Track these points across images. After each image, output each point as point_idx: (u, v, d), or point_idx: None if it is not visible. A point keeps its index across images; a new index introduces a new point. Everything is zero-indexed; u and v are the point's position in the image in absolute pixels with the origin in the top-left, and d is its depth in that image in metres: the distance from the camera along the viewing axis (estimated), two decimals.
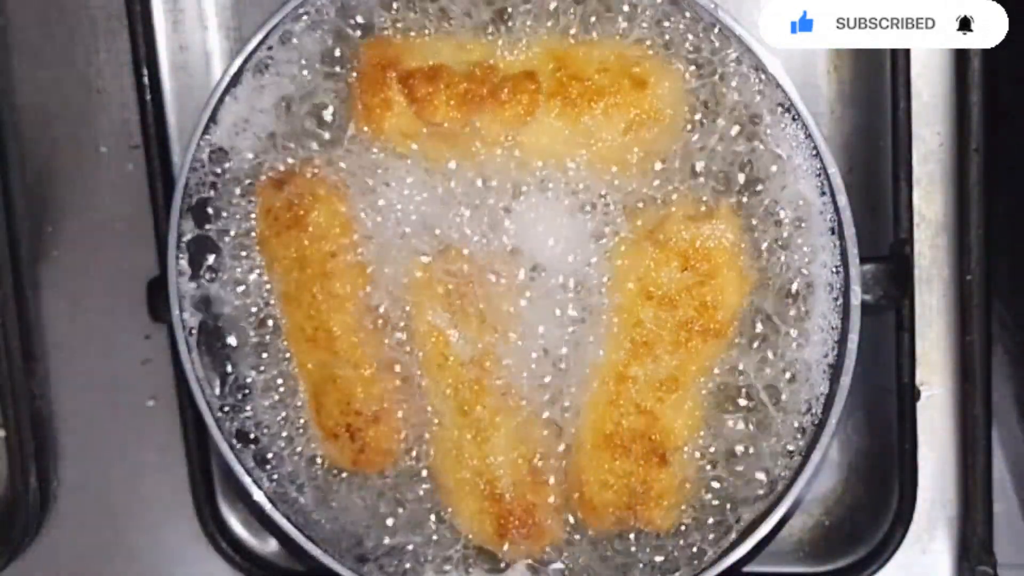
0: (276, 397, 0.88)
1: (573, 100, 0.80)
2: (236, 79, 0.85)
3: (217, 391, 0.87)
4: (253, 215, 0.86)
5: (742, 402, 0.83)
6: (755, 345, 0.82)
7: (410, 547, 0.87)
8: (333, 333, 0.85)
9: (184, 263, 0.86)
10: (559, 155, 0.82)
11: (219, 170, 0.86)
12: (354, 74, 0.83)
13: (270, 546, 0.99)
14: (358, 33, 0.84)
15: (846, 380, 0.80)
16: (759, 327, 0.82)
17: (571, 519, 0.85)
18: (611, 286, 0.83)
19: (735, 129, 0.81)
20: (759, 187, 0.81)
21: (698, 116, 0.81)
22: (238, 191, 0.86)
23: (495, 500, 0.84)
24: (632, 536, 0.85)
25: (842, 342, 0.81)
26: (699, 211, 0.81)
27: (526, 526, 0.84)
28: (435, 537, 0.87)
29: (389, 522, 0.87)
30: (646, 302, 0.81)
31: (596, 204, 0.82)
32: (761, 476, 0.83)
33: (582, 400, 0.84)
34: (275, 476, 0.88)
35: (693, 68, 0.81)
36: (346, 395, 0.85)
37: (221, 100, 0.85)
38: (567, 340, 0.84)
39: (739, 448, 0.83)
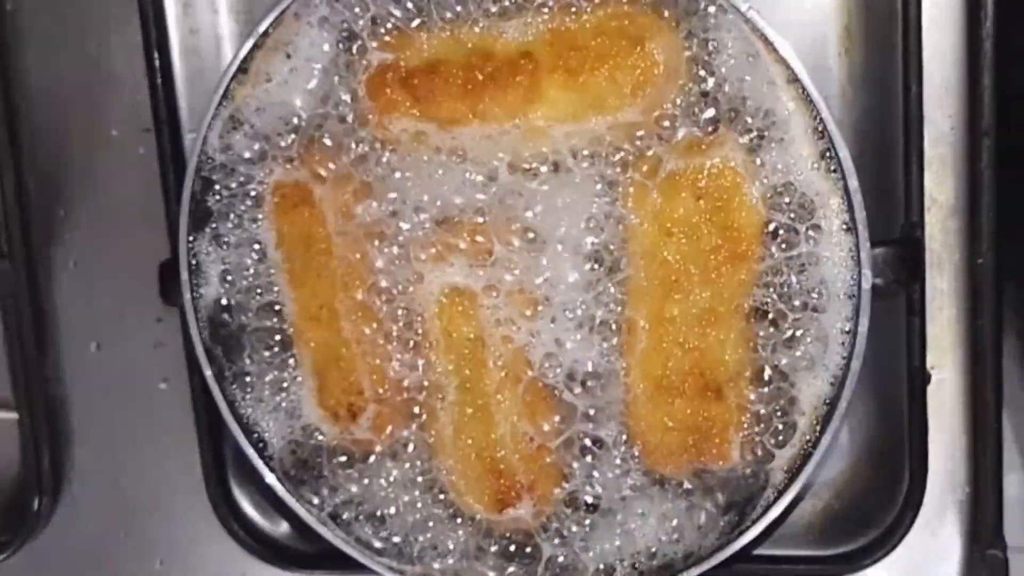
0: (284, 377, 0.88)
1: (574, 70, 0.80)
2: (247, 62, 0.85)
3: (228, 373, 0.88)
4: (264, 197, 0.86)
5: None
6: (765, 331, 0.82)
7: (416, 525, 0.87)
8: (337, 312, 0.85)
9: (195, 246, 0.87)
10: (568, 125, 0.81)
11: (230, 153, 0.86)
12: (364, 62, 0.83)
13: (281, 528, 0.99)
14: (368, 16, 0.84)
15: (856, 364, 0.80)
16: (768, 311, 0.82)
17: (576, 494, 0.86)
18: (629, 236, 0.82)
19: (747, 120, 0.81)
20: (771, 173, 0.81)
21: (708, 107, 0.81)
22: (249, 174, 0.86)
23: (499, 475, 0.85)
24: (640, 511, 0.85)
25: (853, 326, 0.80)
26: (704, 142, 0.80)
27: (529, 499, 0.84)
28: (441, 514, 0.87)
29: (394, 501, 0.88)
30: (667, 240, 0.81)
31: (607, 168, 0.82)
32: (774, 455, 0.83)
33: (616, 357, 0.83)
34: (283, 457, 0.88)
35: (705, 56, 0.81)
36: (349, 374, 0.86)
37: (232, 83, 0.85)
38: (587, 305, 0.83)
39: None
